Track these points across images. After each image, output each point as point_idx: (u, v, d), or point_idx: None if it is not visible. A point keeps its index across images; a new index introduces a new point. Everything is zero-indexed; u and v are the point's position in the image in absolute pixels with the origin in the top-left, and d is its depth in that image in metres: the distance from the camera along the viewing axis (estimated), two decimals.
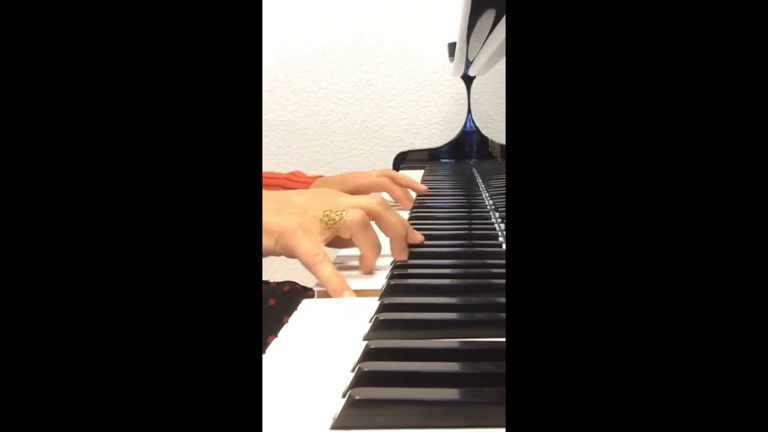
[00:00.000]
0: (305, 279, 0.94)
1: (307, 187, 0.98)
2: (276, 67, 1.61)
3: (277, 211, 0.55)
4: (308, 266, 0.52)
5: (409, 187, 0.94)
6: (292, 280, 0.90)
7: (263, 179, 1.04)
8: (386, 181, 0.92)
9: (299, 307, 0.48)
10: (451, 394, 0.32)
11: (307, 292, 0.85)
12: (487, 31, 0.77)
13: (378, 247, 0.56)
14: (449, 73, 1.53)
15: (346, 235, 0.56)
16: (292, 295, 0.85)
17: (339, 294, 0.51)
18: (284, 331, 0.43)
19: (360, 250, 0.57)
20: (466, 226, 0.75)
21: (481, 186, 1.04)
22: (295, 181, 1.02)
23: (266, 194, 0.58)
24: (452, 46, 1.29)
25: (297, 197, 0.59)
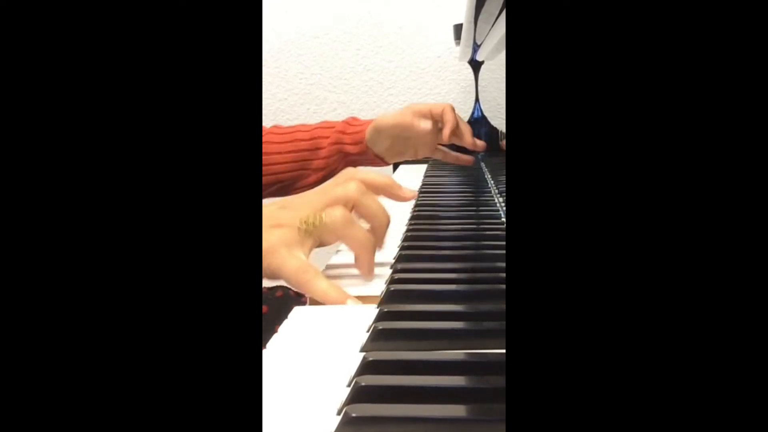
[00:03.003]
0: None
1: (364, 135, 1.02)
2: (264, 51, 1.61)
3: None
4: (299, 286, 0.52)
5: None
6: (283, 285, 0.90)
7: (317, 129, 1.05)
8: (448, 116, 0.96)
9: (290, 315, 0.48)
10: (456, 411, 0.32)
11: (300, 298, 0.85)
12: (497, 11, 0.77)
13: (369, 242, 0.56)
14: (455, 57, 1.53)
15: (331, 240, 0.55)
16: (285, 300, 0.85)
17: (343, 304, 0.50)
18: (273, 342, 0.43)
19: (351, 250, 0.56)
20: (474, 227, 0.75)
21: (490, 182, 1.04)
22: (353, 125, 1.04)
23: None
24: (458, 28, 1.30)
25: (268, 208, 0.57)
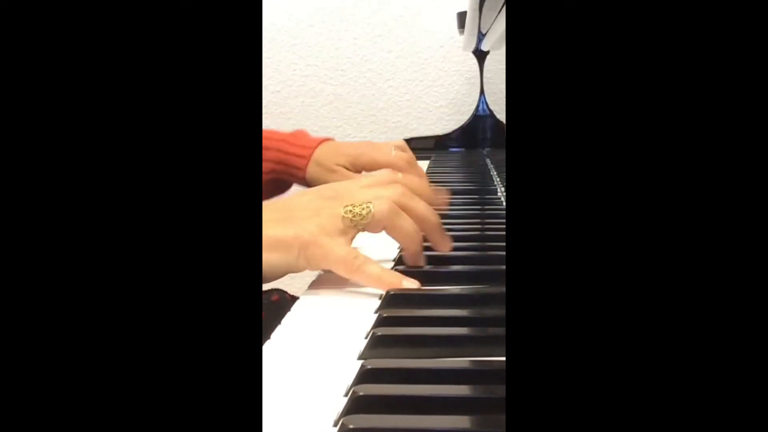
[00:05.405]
0: (293, 287, 0.94)
1: (309, 153, 0.95)
2: None
3: (286, 220, 0.55)
4: (350, 273, 0.53)
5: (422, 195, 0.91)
6: (279, 287, 0.90)
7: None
8: (404, 164, 0.90)
9: (283, 321, 0.48)
10: (461, 422, 0.32)
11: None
12: None
13: (417, 233, 0.57)
14: (458, 47, 1.53)
15: (377, 230, 0.56)
16: (282, 305, 0.85)
17: (399, 286, 0.52)
18: (266, 348, 0.43)
19: (399, 242, 0.58)
20: (479, 227, 0.75)
21: (496, 179, 1.04)
22: (294, 145, 0.98)
23: (265, 204, 0.56)
24: (462, 16, 1.29)
25: (300, 198, 0.59)
